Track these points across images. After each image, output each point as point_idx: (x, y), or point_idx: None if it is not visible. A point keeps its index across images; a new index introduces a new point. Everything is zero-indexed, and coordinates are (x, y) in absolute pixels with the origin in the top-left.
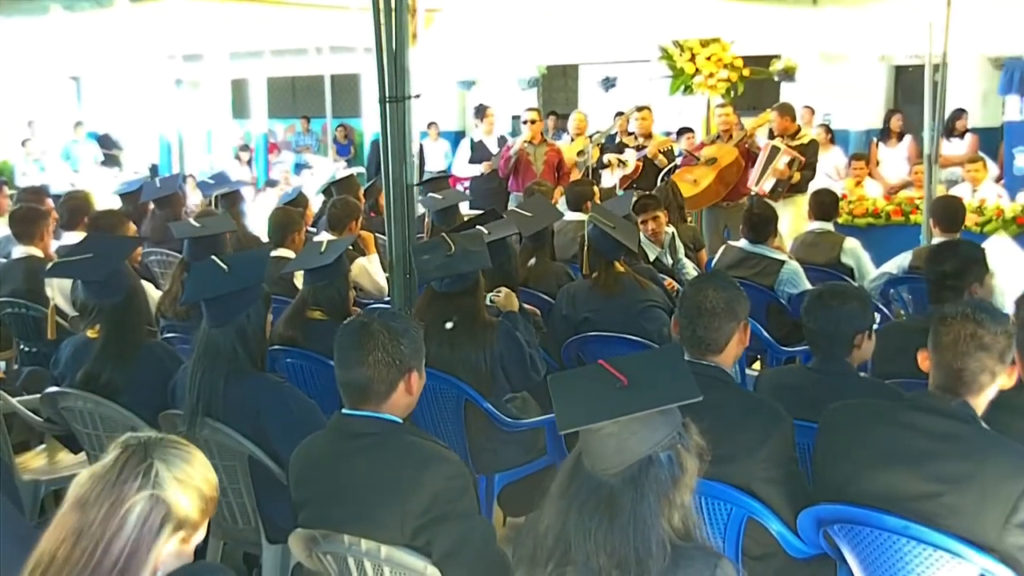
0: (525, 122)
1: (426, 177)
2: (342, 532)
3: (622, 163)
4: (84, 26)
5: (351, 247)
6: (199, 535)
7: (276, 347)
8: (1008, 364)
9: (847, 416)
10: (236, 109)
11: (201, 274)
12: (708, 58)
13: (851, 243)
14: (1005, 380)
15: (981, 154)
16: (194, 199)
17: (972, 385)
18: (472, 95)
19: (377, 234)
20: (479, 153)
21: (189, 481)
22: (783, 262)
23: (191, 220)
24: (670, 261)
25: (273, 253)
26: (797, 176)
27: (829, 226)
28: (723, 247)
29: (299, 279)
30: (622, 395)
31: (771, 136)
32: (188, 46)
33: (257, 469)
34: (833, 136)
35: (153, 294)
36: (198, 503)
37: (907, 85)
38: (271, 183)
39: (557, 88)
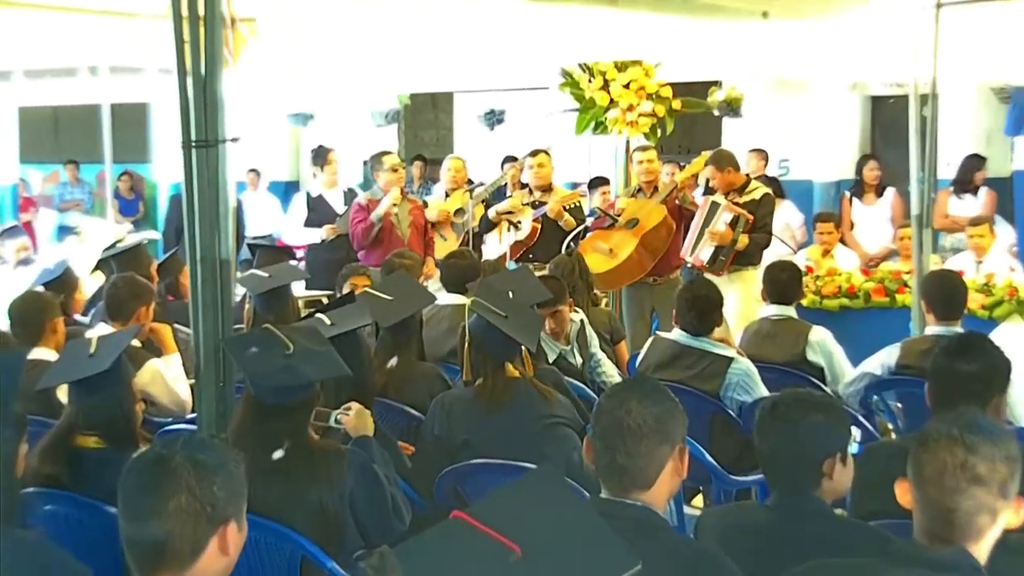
0: (389, 170)
1: (248, 243)
2: None
3: (514, 225)
4: None
5: (139, 344)
6: None
7: (32, 489)
8: (1013, 497)
9: None
10: None
11: None
12: (626, 86)
13: (819, 334)
14: (1012, 517)
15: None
16: None
17: (968, 529)
18: (308, 133)
19: (177, 326)
20: (319, 212)
21: None
22: (731, 360)
23: None
24: (579, 359)
25: (28, 356)
26: (744, 240)
27: (790, 311)
28: (651, 339)
29: (64, 392)
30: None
31: (708, 190)
32: None
33: None
34: (781, 188)
35: None
36: None
37: (887, 122)
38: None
39: (425, 124)
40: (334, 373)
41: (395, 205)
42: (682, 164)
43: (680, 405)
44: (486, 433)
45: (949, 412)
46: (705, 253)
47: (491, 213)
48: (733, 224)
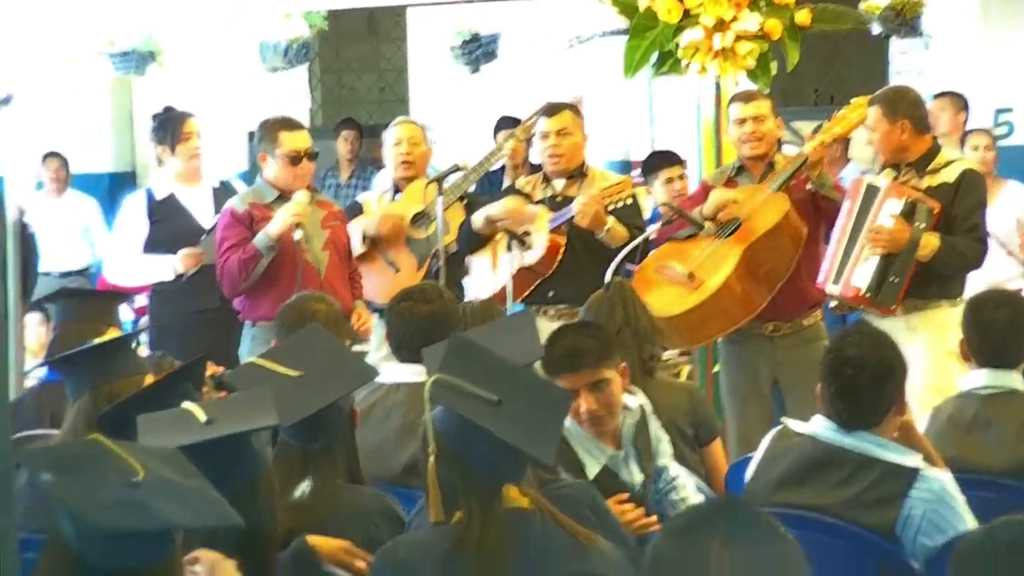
0: (289, 155)
1: (45, 289)
2: None
3: (518, 240)
4: None
5: None
6: None
7: None
8: None
9: None
10: None
11: None
12: None
13: None
14: None
15: None
16: None
17: None
18: (148, 86)
19: None
20: (170, 226)
21: None
22: (915, 473)
23: None
24: (637, 475)
25: None
26: (932, 243)
27: (1014, 379)
28: (772, 434)
29: None
30: None
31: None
32: None
33: None
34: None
35: None
36: None
37: None
38: None
39: (356, 64)
40: (213, 521)
41: (298, 223)
42: (819, 123)
43: (798, 549)
44: None
45: None
46: (863, 273)
47: (478, 219)
48: (907, 216)
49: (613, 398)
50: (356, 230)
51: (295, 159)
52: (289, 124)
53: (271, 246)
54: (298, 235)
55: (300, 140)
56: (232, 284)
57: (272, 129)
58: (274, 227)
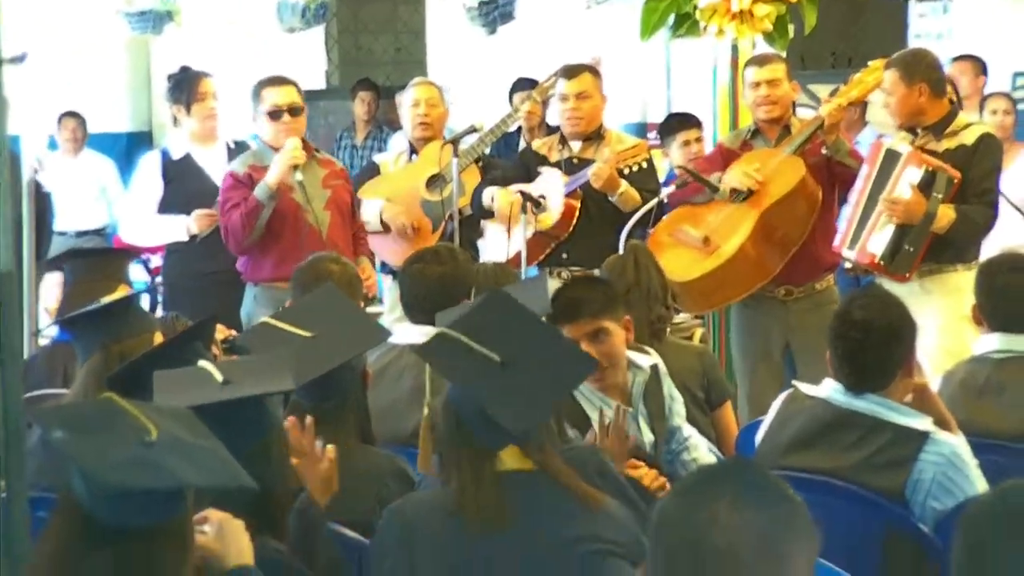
0: (269, 112)
1: (61, 248)
2: None
3: (534, 203)
4: None
5: None
6: None
7: None
8: None
9: None
10: None
11: None
12: None
13: None
14: None
15: None
16: None
17: None
18: (165, 47)
19: None
20: (185, 186)
21: None
22: (926, 436)
23: None
24: (647, 436)
25: None
26: (948, 215)
27: None
28: (783, 397)
29: None
30: None
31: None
32: None
33: None
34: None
35: None
36: None
37: None
38: None
39: (374, 25)
40: (225, 481)
41: (296, 167)
42: (836, 86)
43: (805, 511)
44: (476, 573)
45: None
46: (878, 240)
47: (487, 197)
48: (925, 186)
49: (614, 349)
50: (374, 210)
51: (274, 114)
52: (272, 81)
53: (271, 195)
54: (298, 176)
55: (280, 95)
56: (237, 240)
57: (258, 87)
58: (271, 175)
